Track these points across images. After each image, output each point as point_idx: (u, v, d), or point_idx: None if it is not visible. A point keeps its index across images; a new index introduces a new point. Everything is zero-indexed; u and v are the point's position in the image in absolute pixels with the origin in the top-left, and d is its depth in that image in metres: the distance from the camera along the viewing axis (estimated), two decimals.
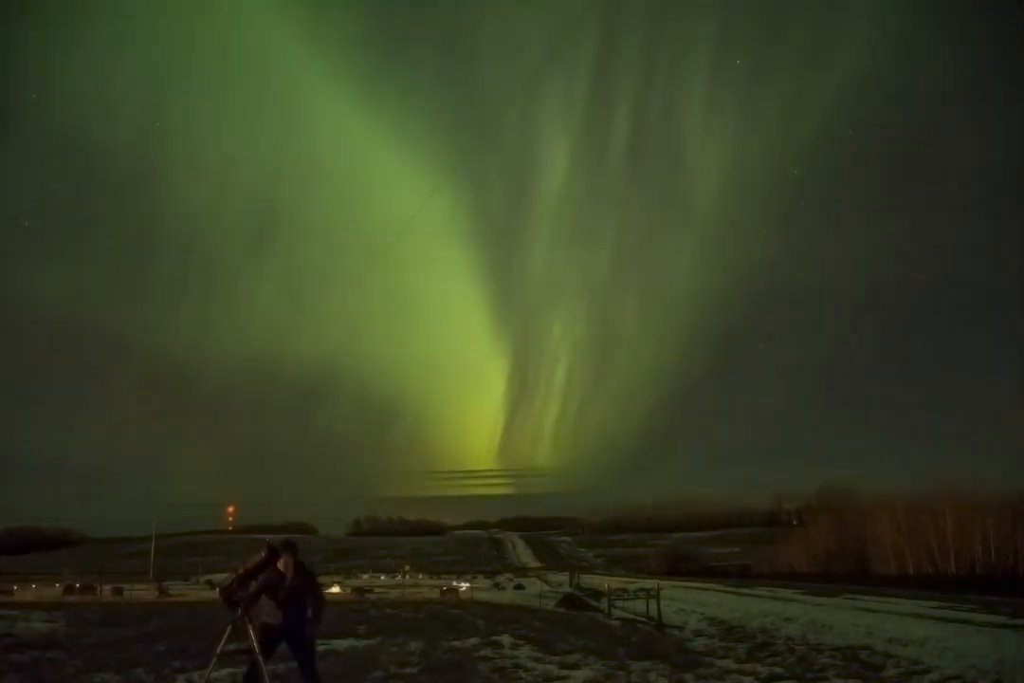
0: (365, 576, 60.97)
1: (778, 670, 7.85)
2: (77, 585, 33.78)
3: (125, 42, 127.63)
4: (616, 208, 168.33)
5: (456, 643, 9.45)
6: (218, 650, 4.64)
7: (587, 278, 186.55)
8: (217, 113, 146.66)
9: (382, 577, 58.91)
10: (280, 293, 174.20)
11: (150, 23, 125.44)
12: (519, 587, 42.51)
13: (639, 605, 18.16)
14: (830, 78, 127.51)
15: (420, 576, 56.69)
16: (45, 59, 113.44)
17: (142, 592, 33.12)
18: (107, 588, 32.86)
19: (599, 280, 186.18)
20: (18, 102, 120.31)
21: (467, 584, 38.07)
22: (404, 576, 51.77)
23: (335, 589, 36.57)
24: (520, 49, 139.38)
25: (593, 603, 22.29)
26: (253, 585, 4.88)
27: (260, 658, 4.61)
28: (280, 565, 4.99)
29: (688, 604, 20.18)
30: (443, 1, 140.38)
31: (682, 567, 63.87)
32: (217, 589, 5.18)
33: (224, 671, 6.57)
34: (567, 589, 32.76)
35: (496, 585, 47.38)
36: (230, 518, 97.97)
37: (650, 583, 24.15)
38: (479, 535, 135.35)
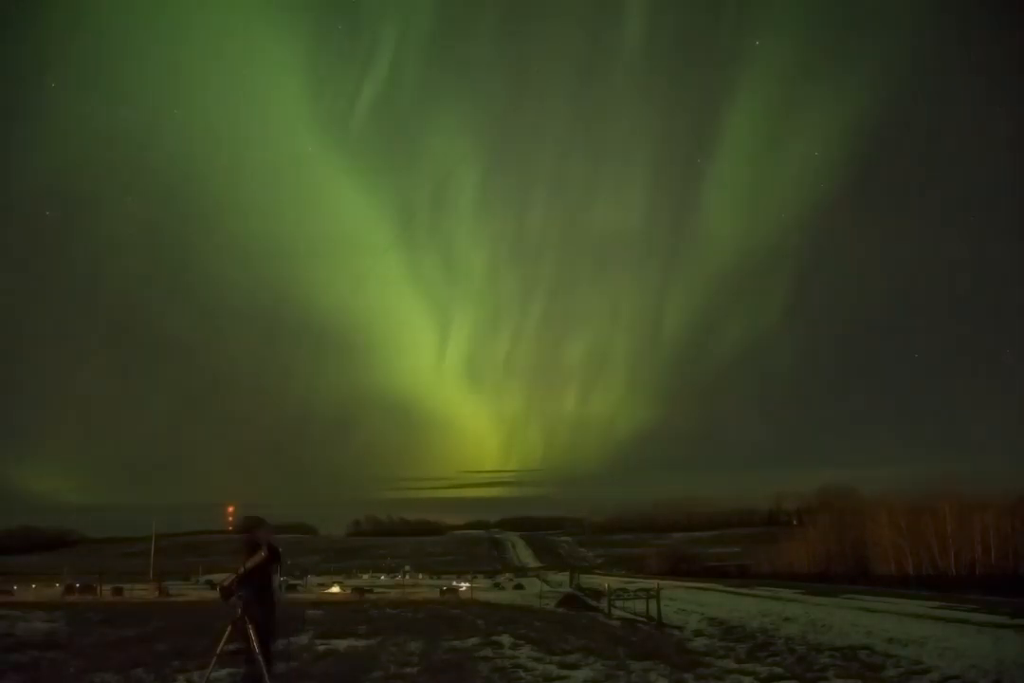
0: (365, 576, 60.96)
1: (778, 670, 7.84)
2: (77, 585, 33.80)
3: (141, 35, 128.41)
4: (624, 209, 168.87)
5: (456, 643, 9.43)
6: (218, 650, 4.63)
7: (590, 282, 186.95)
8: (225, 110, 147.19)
9: (382, 577, 58.90)
10: (281, 297, 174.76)
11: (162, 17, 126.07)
12: (519, 587, 42.52)
13: (639, 605, 18.14)
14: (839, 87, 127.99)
15: (420, 576, 56.68)
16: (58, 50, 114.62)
17: (142, 592, 33.10)
18: (107, 588, 32.85)
19: (601, 283, 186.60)
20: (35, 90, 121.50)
21: (467, 584, 38.09)
22: (404, 576, 51.79)
23: (335, 589, 36.59)
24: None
25: (593, 603, 22.26)
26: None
27: (260, 658, 4.60)
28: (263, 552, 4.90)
29: (688, 604, 20.17)
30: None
31: (682, 567, 63.86)
32: (217, 589, 5.18)
33: (224, 671, 6.56)
34: (567, 589, 32.74)
35: (496, 585, 47.39)
36: (230, 518, 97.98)
37: (650, 583, 24.14)
38: (479, 535, 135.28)
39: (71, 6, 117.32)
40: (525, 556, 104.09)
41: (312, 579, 49.32)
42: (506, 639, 9.85)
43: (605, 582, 27.68)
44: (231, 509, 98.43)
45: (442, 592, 31.28)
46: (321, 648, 8.72)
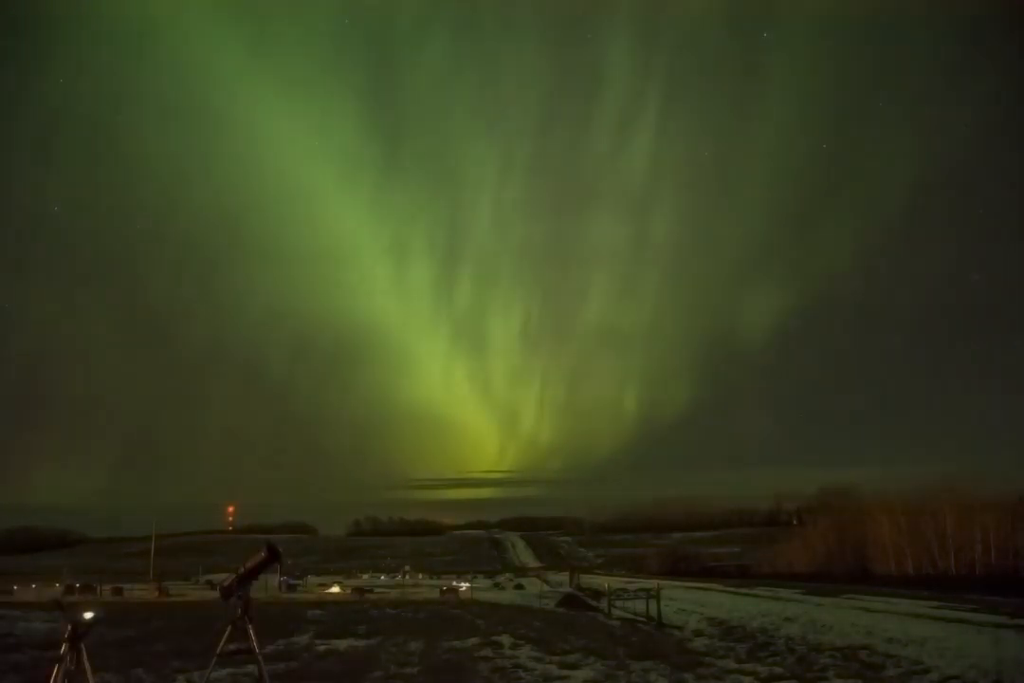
0: (365, 576, 60.88)
1: (778, 670, 7.85)
2: (77, 585, 33.79)
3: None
4: (632, 211, 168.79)
5: (456, 643, 9.44)
6: (218, 650, 4.63)
7: (589, 282, 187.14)
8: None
9: (382, 577, 58.81)
10: (281, 301, 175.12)
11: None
12: (519, 587, 42.48)
13: (639, 605, 18.17)
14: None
15: (420, 576, 56.61)
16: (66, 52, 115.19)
17: (142, 592, 33.10)
18: (107, 588, 32.86)
19: (601, 284, 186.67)
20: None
21: (467, 584, 38.05)
22: (404, 576, 51.72)
23: (335, 589, 36.56)
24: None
25: (593, 603, 22.28)
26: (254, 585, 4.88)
27: (261, 658, 4.60)
28: None
29: (688, 604, 20.16)
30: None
31: (682, 567, 63.77)
32: (218, 588, 5.16)
33: (224, 671, 6.56)
34: (567, 589, 32.74)
35: (496, 585, 47.33)
36: (230, 518, 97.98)
37: (650, 583, 24.14)
38: (479, 535, 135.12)
39: (73, 4, 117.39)
40: (525, 556, 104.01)
41: (312, 579, 49.30)
42: (506, 639, 9.86)
43: (605, 582, 27.70)
44: (231, 509, 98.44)
45: (442, 592, 31.25)
46: (321, 648, 8.73)
